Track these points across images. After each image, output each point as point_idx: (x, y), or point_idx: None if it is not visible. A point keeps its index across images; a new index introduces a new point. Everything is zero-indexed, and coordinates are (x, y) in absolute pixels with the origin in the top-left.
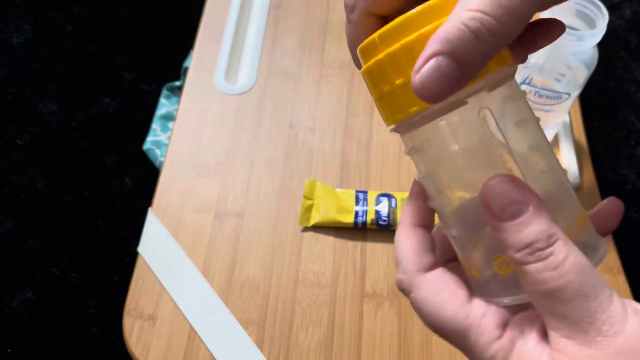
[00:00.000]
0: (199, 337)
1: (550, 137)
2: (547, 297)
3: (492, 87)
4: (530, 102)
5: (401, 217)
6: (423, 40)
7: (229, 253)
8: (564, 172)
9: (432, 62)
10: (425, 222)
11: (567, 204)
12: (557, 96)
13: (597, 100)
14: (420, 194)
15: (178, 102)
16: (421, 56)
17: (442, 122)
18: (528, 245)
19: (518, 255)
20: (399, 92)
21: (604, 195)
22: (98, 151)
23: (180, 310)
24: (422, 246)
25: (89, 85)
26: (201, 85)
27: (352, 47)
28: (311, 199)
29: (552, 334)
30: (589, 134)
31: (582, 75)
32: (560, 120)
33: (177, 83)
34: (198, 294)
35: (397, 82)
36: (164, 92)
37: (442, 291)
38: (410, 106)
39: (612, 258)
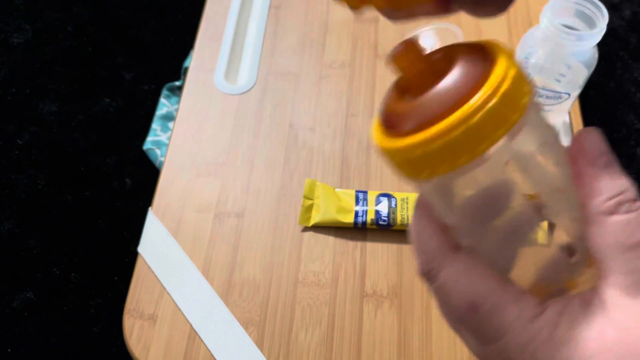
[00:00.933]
0: (199, 337)
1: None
2: (631, 250)
3: (513, 136)
4: None
5: (415, 207)
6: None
7: (229, 253)
8: None
9: None
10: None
11: None
12: (556, 96)
13: (597, 100)
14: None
15: (178, 102)
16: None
17: (466, 176)
18: (621, 194)
19: (610, 202)
20: (428, 153)
21: None
22: (98, 151)
23: (180, 310)
24: (444, 230)
25: (89, 85)
26: (201, 85)
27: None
28: (311, 199)
29: (614, 292)
30: None
31: (581, 75)
32: (560, 120)
33: (177, 83)
34: (198, 294)
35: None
36: (164, 92)
37: (476, 267)
38: (440, 165)
39: None
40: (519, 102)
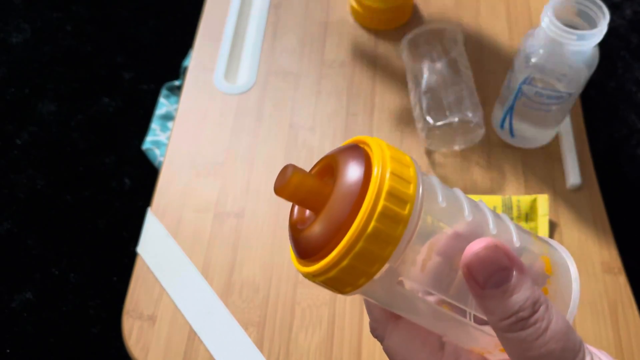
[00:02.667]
0: (199, 338)
1: (551, 137)
2: None
3: (395, 261)
4: (531, 103)
5: None
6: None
7: (228, 253)
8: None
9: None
10: None
11: (532, 261)
12: (558, 96)
13: (598, 100)
14: None
15: (177, 102)
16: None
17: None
18: (514, 314)
19: (503, 323)
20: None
21: (605, 195)
22: (97, 151)
23: (179, 310)
24: None
25: (89, 85)
26: (201, 85)
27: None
28: None
29: None
30: (589, 133)
31: (582, 75)
32: (561, 120)
33: (177, 83)
34: (198, 294)
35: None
36: (164, 91)
37: (413, 338)
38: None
39: (613, 258)
40: (393, 233)
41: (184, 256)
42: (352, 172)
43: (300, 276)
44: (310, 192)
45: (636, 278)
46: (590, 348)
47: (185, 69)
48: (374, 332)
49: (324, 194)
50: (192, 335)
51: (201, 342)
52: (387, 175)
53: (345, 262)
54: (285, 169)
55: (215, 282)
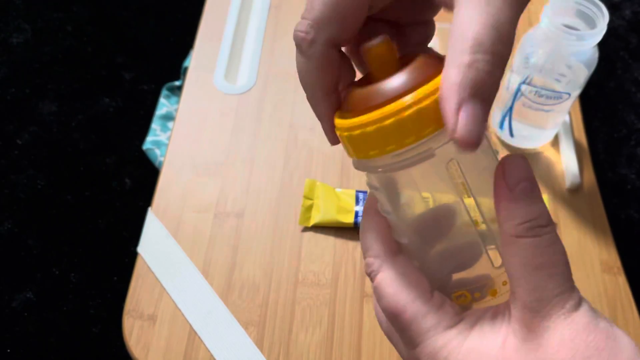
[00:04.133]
0: (199, 337)
1: (550, 137)
2: (537, 270)
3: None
4: (530, 102)
5: (365, 207)
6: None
7: (228, 253)
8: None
9: (464, 111)
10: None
11: None
12: (557, 96)
13: (597, 100)
14: None
15: (178, 102)
16: (448, 109)
17: (410, 171)
18: (533, 219)
19: (522, 226)
20: (374, 132)
21: (604, 195)
22: (98, 151)
23: (180, 310)
24: (389, 232)
25: (89, 85)
26: (201, 85)
27: (314, 88)
28: (311, 199)
29: (518, 307)
30: (589, 134)
31: (582, 75)
32: (560, 120)
33: (177, 83)
34: (198, 294)
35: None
36: (164, 92)
37: (409, 274)
38: (385, 146)
39: (612, 258)
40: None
41: (185, 256)
42: (428, 64)
43: (301, 276)
44: (391, 59)
45: (635, 278)
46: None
47: (186, 69)
48: (372, 266)
49: (398, 66)
50: (193, 334)
51: (201, 341)
52: None
53: (406, 113)
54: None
55: (215, 282)
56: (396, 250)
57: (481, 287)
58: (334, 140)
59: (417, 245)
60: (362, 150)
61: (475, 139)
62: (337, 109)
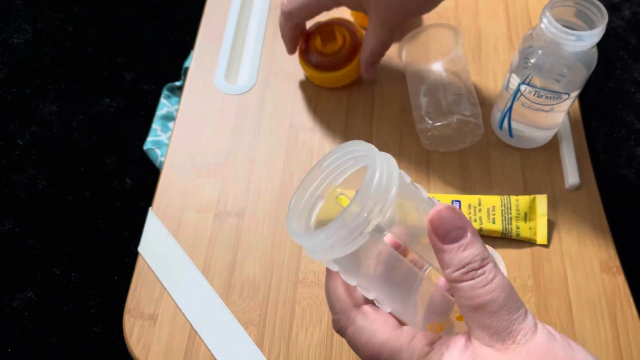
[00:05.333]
0: (199, 337)
1: (549, 137)
2: (477, 310)
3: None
4: (529, 103)
5: (327, 269)
6: None
7: (229, 253)
8: None
9: (365, 70)
10: None
11: None
12: (556, 96)
13: (596, 100)
14: None
15: (178, 103)
16: (362, 69)
17: (357, 252)
18: (465, 265)
19: (456, 273)
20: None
21: (603, 195)
22: (99, 151)
23: (180, 310)
24: (350, 288)
25: (90, 85)
26: (201, 86)
27: (286, 37)
28: None
29: (475, 343)
30: (588, 134)
31: (581, 76)
32: (559, 121)
33: (178, 83)
34: (198, 293)
35: None
36: (165, 92)
37: (375, 320)
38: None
39: (611, 258)
40: None
41: (185, 256)
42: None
43: (301, 275)
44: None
45: (635, 278)
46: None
47: (186, 69)
48: (337, 324)
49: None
50: (193, 334)
51: (202, 341)
52: None
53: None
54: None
55: (215, 282)
56: (360, 302)
57: (448, 316)
58: (292, 51)
59: (384, 300)
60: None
61: (371, 78)
62: (296, 44)
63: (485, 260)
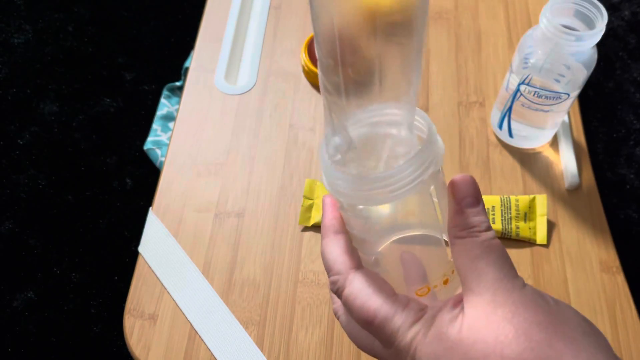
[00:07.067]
0: (199, 337)
1: (549, 137)
2: (475, 260)
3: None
4: (529, 103)
5: (322, 230)
6: None
7: (229, 253)
8: None
9: None
10: (344, 229)
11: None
12: (556, 96)
13: (596, 100)
14: (335, 205)
15: (178, 103)
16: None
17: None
18: (473, 227)
19: (464, 232)
20: None
21: (603, 195)
22: (99, 151)
23: (180, 309)
24: (348, 249)
25: (90, 85)
26: (201, 86)
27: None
28: (311, 199)
29: (469, 293)
30: (588, 134)
31: (581, 76)
32: (559, 121)
33: (178, 83)
34: (198, 293)
35: None
36: (165, 92)
37: (372, 284)
38: None
39: (610, 257)
40: None
41: (185, 255)
42: None
43: (301, 275)
44: None
45: (634, 277)
46: None
47: (187, 69)
48: (336, 284)
49: None
50: (193, 334)
51: (202, 340)
52: None
53: None
54: None
55: (215, 281)
56: (357, 265)
57: (436, 279)
58: None
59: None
60: None
61: None
62: None
63: (489, 226)
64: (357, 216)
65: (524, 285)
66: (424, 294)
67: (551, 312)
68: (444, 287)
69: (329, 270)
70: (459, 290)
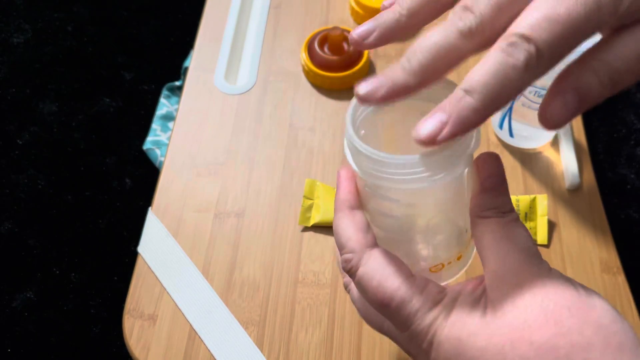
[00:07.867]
0: (199, 337)
1: (550, 137)
2: (500, 241)
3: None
4: (529, 102)
5: (336, 204)
6: None
7: (229, 253)
8: None
9: None
10: (359, 204)
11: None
12: None
13: None
14: (351, 179)
15: (178, 102)
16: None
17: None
18: (496, 207)
19: (488, 212)
20: None
21: (603, 195)
22: (98, 151)
23: (180, 310)
24: (363, 226)
25: (89, 85)
26: (201, 86)
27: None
28: (311, 199)
29: (492, 276)
30: (588, 134)
31: None
32: None
33: (177, 83)
34: (198, 293)
35: None
36: (164, 92)
37: (389, 264)
38: None
39: (611, 258)
40: None
41: (185, 256)
42: None
43: (301, 275)
44: None
45: (635, 277)
46: None
47: (186, 69)
48: (350, 262)
49: None
50: (193, 334)
51: (202, 341)
52: None
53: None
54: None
55: (215, 282)
56: (373, 244)
57: (451, 256)
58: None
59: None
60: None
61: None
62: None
63: (512, 208)
64: (382, 198)
65: (550, 269)
66: (438, 270)
67: (580, 297)
68: (457, 262)
69: (341, 247)
70: (469, 264)
